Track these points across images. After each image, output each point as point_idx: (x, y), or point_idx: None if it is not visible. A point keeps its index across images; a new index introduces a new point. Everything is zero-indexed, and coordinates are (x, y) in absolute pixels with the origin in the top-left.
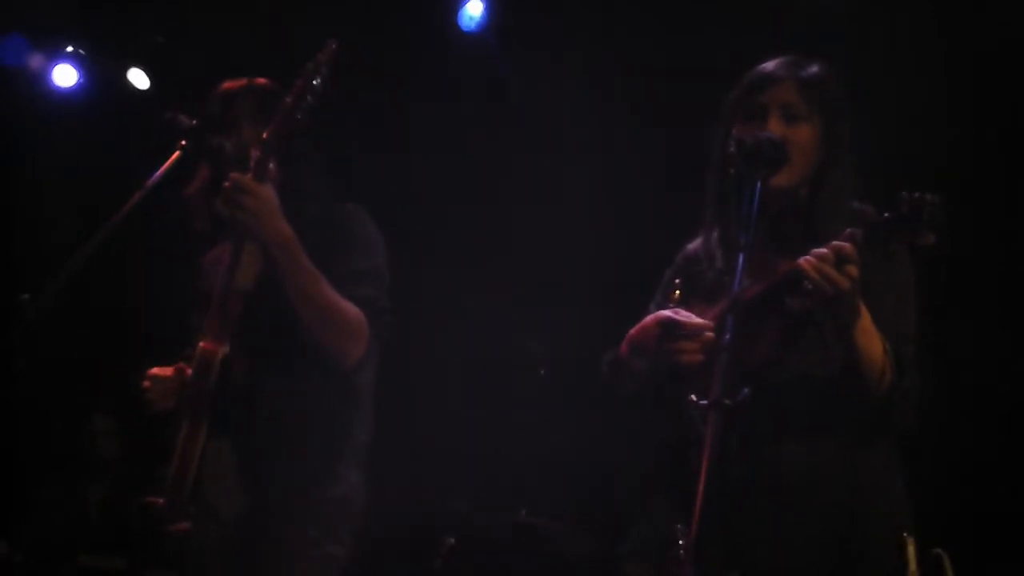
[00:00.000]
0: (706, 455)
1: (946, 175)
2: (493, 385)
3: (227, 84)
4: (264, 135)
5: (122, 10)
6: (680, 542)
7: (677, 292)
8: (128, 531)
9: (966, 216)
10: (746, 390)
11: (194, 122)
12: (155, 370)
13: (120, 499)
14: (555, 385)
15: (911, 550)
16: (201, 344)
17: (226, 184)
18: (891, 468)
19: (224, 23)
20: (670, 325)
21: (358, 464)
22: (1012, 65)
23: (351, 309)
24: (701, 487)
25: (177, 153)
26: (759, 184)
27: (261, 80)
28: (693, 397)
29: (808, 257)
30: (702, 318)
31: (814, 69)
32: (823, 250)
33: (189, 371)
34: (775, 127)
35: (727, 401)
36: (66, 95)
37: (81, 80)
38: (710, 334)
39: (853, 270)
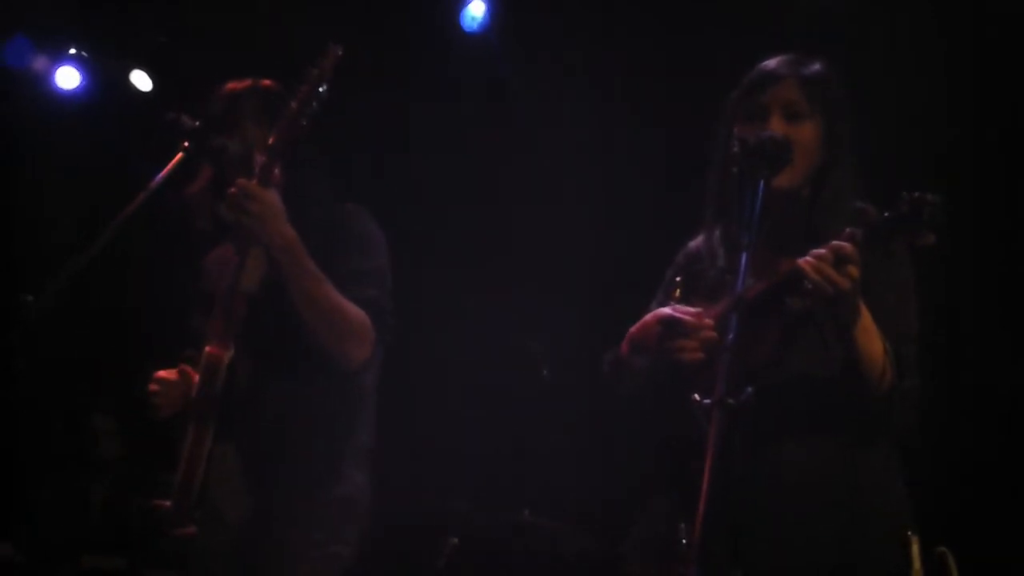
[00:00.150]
0: (709, 454)
1: (946, 175)
2: (493, 385)
3: (231, 85)
4: (269, 140)
5: (124, 11)
6: (683, 541)
7: (678, 291)
8: (129, 531)
9: (966, 216)
10: (749, 389)
11: (196, 123)
12: (161, 373)
13: (121, 499)
14: (555, 385)
15: (915, 549)
16: (207, 349)
17: (232, 190)
18: (891, 468)
19: (226, 23)
20: (671, 323)
21: (361, 464)
22: (1012, 65)
23: (355, 311)
24: (705, 486)
25: (180, 154)
26: (762, 184)
27: (266, 81)
28: (696, 396)
29: (808, 257)
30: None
31: (815, 67)
32: (822, 250)
33: (193, 373)
34: (777, 126)
35: (731, 400)
36: (69, 97)
37: (84, 82)
38: (711, 332)
39: (853, 270)
